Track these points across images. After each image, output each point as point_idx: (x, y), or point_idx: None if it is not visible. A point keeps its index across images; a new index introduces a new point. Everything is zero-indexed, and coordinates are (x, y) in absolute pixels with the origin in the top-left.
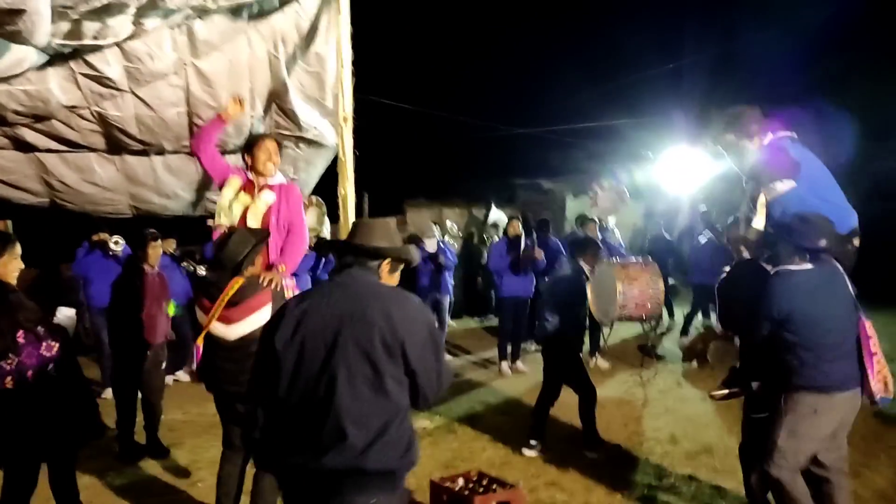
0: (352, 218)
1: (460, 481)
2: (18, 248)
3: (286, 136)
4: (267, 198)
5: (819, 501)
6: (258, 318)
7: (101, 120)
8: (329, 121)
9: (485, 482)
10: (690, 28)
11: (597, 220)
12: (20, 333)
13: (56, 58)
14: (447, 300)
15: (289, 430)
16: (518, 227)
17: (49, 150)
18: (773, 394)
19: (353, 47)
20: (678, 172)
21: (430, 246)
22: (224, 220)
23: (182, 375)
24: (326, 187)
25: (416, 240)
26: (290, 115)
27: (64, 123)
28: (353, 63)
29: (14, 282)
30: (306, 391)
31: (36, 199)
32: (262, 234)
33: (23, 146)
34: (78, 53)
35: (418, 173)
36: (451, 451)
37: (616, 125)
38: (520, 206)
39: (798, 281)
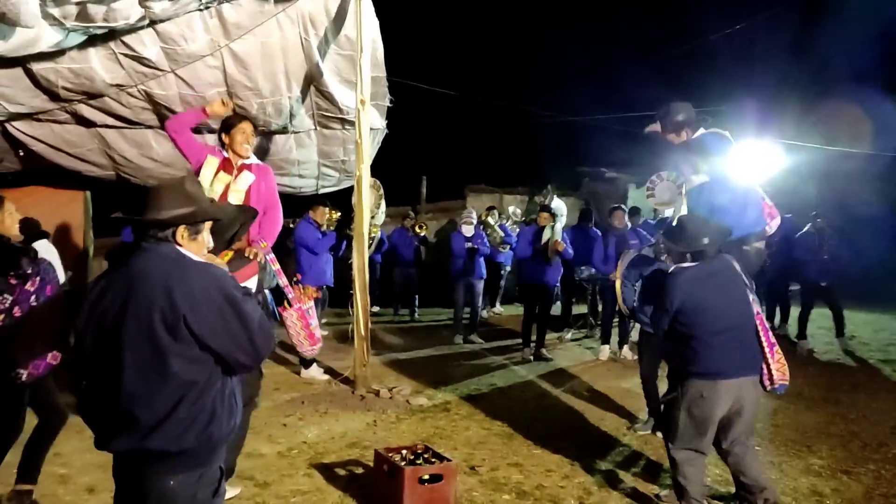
0: (366, 198)
1: (403, 452)
2: (10, 205)
3: (329, 118)
4: (247, 177)
5: (733, 471)
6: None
7: (149, 98)
8: (372, 103)
9: (426, 455)
10: (762, 17)
11: (624, 209)
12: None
13: (96, 38)
14: (480, 285)
15: (94, 414)
16: (547, 219)
17: (106, 126)
18: (674, 379)
19: (415, 34)
20: (746, 164)
21: (467, 231)
22: None
23: None
24: (382, 169)
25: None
26: (328, 98)
27: (115, 100)
28: (415, 49)
29: (16, 233)
30: (102, 375)
31: (102, 172)
32: (252, 212)
33: (83, 122)
34: (115, 35)
35: (481, 159)
36: (435, 427)
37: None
38: (584, 194)
39: (687, 277)
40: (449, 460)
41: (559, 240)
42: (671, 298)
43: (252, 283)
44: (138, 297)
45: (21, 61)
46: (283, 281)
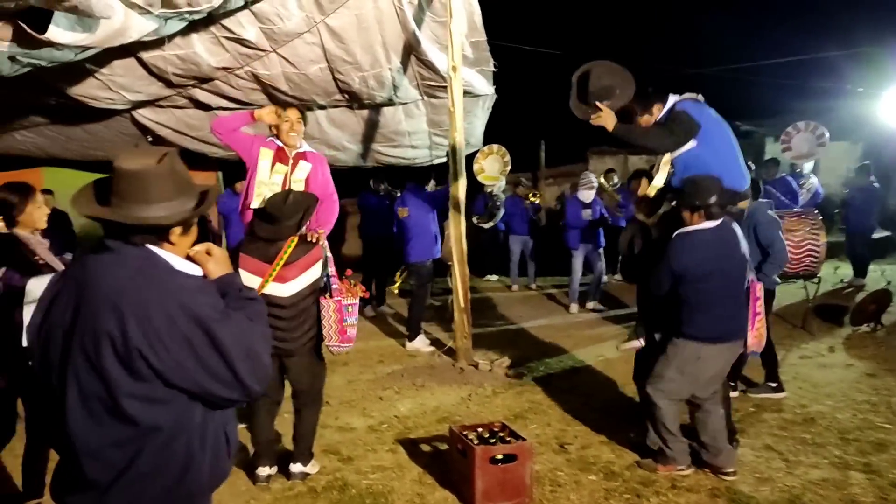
0: (461, 166)
1: (479, 430)
2: (39, 197)
3: (434, 87)
4: (304, 167)
5: (697, 425)
6: (310, 274)
7: (256, 79)
8: (476, 69)
9: (502, 434)
10: None
11: (751, 166)
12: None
13: (197, 24)
14: (599, 254)
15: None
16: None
17: (221, 108)
18: (667, 339)
19: None
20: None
21: (586, 196)
22: (266, 191)
23: None
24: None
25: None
26: (429, 66)
27: (225, 83)
28: (528, 9)
29: (44, 226)
30: (50, 408)
31: (225, 153)
32: (315, 197)
33: (201, 105)
34: (214, 19)
35: None
36: (531, 402)
37: (825, 58)
38: None
39: (696, 240)
40: (524, 440)
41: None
42: (678, 261)
43: (317, 269)
44: (85, 317)
45: (131, 51)
46: (331, 270)
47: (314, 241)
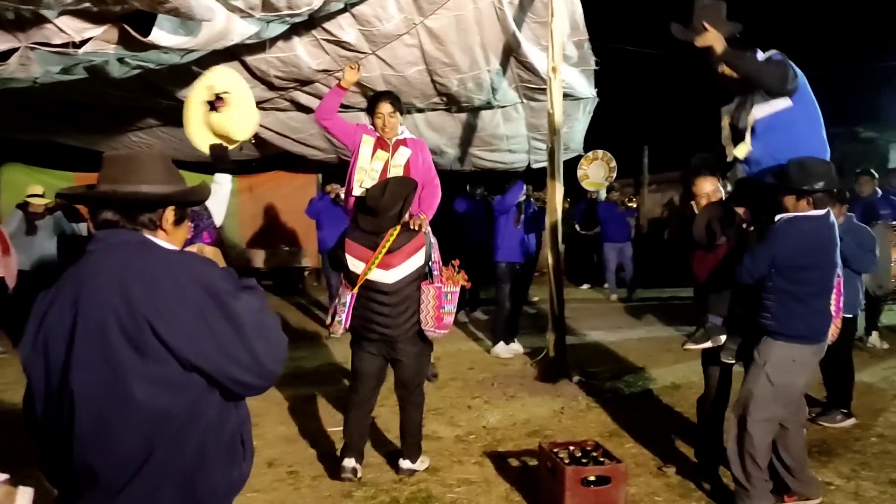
0: (559, 170)
1: (571, 448)
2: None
3: (534, 89)
4: (404, 152)
5: (775, 448)
6: (414, 261)
7: (356, 82)
8: (578, 69)
9: (595, 453)
10: None
11: (874, 174)
12: None
13: (300, 27)
14: None
15: (53, 469)
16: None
17: None
18: (752, 343)
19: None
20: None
21: None
22: (367, 179)
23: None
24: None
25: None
26: (529, 68)
27: (325, 85)
28: (639, 13)
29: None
30: (54, 414)
31: (325, 156)
32: (413, 183)
33: (302, 108)
34: (315, 22)
35: (709, 125)
36: (628, 418)
37: None
38: (833, 158)
39: (803, 229)
40: (619, 461)
41: None
42: (779, 248)
43: (421, 256)
44: (86, 305)
45: (235, 54)
46: (435, 255)
47: (416, 227)
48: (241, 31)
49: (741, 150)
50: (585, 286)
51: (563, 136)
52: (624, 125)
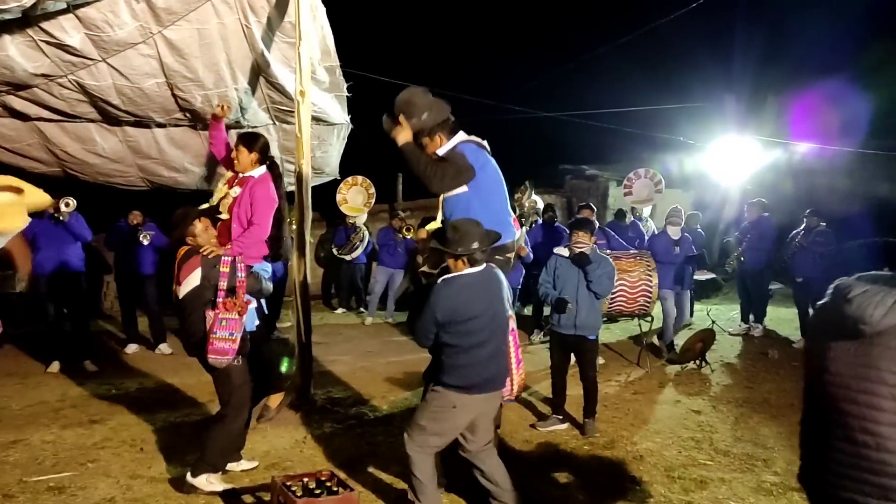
0: (307, 194)
1: (305, 480)
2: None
3: (285, 111)
4: (234, 191)
5: (481, 477)
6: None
7: (83, 89)
8: (331, 96)
9: (330, 483)
10: (740, 12)
11: (593, 207)
12: None
13: (11, 24)
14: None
15: None
16: None
17: (42, 119)
18: (429, 384)
19: (387, 27)
20: (728, 161)
21: (674, 233)
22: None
23: (165, 348)
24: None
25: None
26: (280, 90)
27: (46, 91)
28: (380, 41)
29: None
30: None
31: (47, 168)
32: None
33: (17, 115)
34: (30, 21)
35: None
36: (370, 444)
37: (664, 111)
38: (566, 192)
39: (459, 285)
40: (352, 490)
41: (522, 244)
42: (442, 308)
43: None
44: None
45: None
46: (223, 284)
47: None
48: None
49: (432, 227)
50: (340, 310)
51: (317, 160)
52: (379, 152)
